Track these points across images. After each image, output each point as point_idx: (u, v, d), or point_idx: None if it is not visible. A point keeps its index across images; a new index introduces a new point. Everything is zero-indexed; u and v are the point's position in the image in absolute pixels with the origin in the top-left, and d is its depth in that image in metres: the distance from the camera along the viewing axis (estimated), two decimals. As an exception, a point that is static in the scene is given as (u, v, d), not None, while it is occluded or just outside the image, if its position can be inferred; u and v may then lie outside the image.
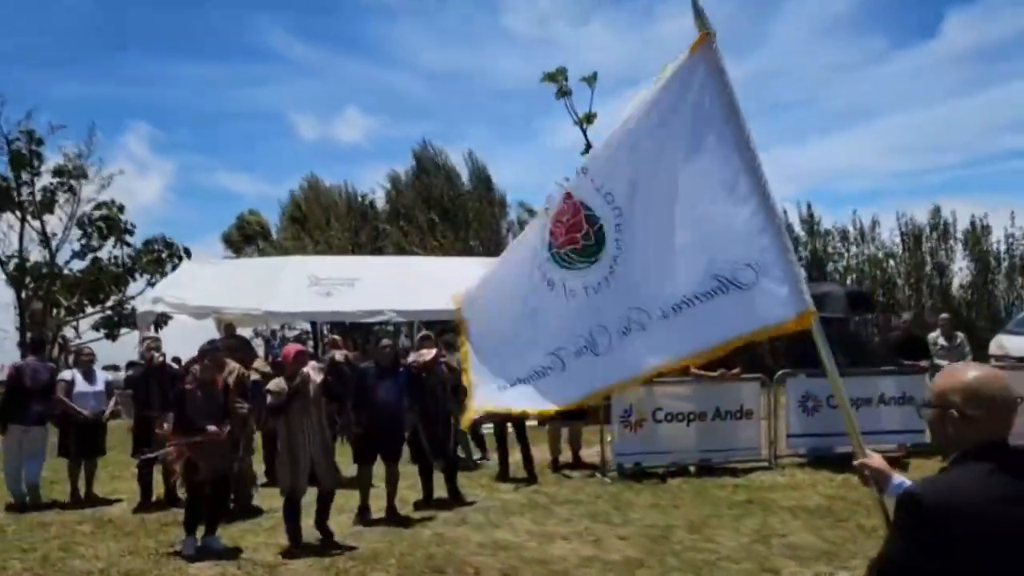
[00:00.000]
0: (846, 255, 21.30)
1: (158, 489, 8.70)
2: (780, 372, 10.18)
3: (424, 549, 6.76)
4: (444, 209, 19.25)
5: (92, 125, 26.49)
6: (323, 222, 19.10)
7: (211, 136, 52.77)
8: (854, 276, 21.05)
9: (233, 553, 6.71)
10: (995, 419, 2.09)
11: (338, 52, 52.60)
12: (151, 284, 22.06)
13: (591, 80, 19.93)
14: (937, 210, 21.88)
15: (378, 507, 7.81)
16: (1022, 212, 21.38)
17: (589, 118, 21.17)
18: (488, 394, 3.91)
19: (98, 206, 20.29)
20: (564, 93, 19.97)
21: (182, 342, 14.11)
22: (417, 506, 8.29)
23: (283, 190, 26.97)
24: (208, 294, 14.48)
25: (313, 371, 6.65)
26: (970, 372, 2.17)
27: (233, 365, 8.49)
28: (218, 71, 52.25)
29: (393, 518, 7.73)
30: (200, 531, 6.82)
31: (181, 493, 8.00)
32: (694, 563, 6.27)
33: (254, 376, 8.89)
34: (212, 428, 6.55)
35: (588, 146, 21.72)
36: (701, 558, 6.39)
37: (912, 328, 10.17)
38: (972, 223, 21.39)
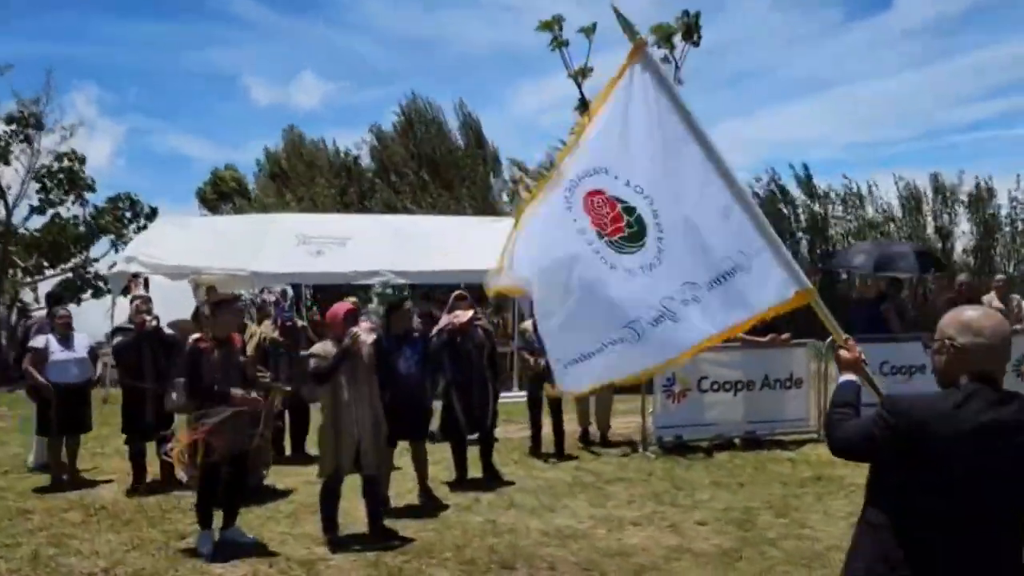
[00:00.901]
0: (847, 218, 20.69)
1: (151, 468, 7.69)
2: (831, 338, 9.38)
3: (481, 539, 5.87)
4: (435, 165, 18.11)
5: (49, 70, 24.69)
6: (307, 179, 17.80)
7: (162, 98, 50.26)
8: (851, 240, 20.50)
9: (258, 548, 5.74)
10: (983, 352, 2.40)
11: (294, 14, 50.27)
12: (115, 246, 20.63)
13: (589, 31, 18.86)
14: (936, 175, 21.46)
15: (399, 490, 6.90)
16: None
17: (584, 72, 20.13)
18: (570, 373, 3.82)
19: (58, 157, 18.67)
20: (560, 44, 18.85)
21: (155, 305, 12.97)
22: (451, 487, 7.39)
23: (238, 155, 25.73)
24: (187, 253, 13.29)
25: (365, 331, 5.62)
26: (967, 311, 2.50)
27: (253, 327, 7.49)
28: (169, 30, 49.66)
29: (431, 503, 6.82)
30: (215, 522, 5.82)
31: (183, 475, 7.00)
32: (799, 554, 5.47)
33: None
34: (243, 393, 5.51)
35: (583, 101, 20.75)
36: (804, 547, 5.59)
37: (968, 290, 9.49)
38: (977, 186, 20.95)
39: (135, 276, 12.15)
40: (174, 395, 5.99)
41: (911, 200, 20.98)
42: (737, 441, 9.05)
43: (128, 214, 20.24)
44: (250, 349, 7.27)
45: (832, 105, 43.76)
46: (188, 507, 6.73)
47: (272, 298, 9.04)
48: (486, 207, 17.89)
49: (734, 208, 3.43)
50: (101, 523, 6.43)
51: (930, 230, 20.40)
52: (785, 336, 9.37)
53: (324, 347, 5.63)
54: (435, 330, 7.39)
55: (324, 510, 5.81)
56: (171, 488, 7.39)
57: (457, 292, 7.67)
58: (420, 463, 6.93)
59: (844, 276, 18.12)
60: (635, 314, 3.59)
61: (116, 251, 19.20)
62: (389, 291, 14.28)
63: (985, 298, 9.93)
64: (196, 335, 5.82)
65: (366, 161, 19.44)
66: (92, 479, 7.92)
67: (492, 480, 7.54)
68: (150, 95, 48.53)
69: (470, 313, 7.43)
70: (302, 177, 17.83)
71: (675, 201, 3.56)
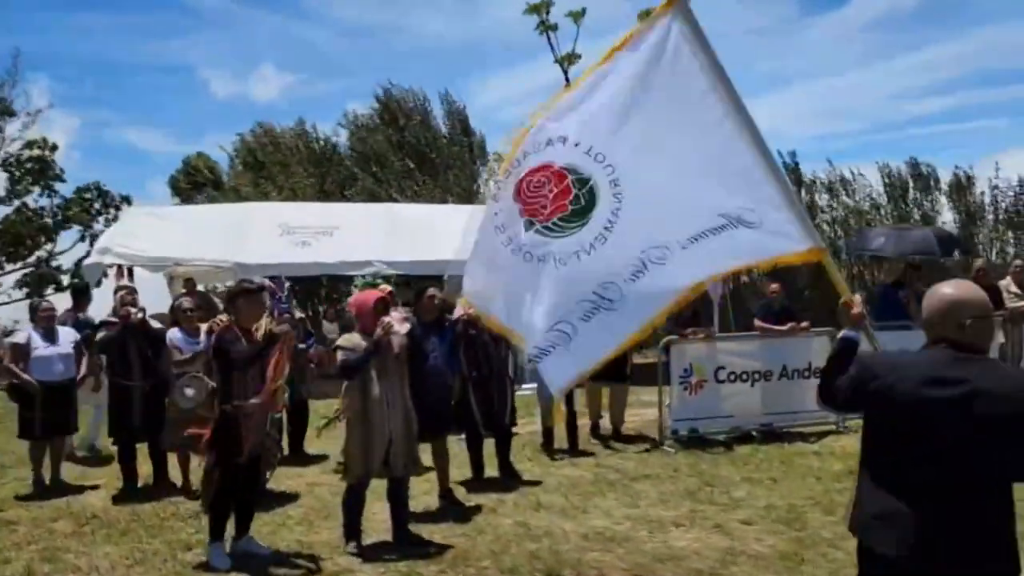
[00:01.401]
0: (835, 206, 20.53)
1: (142, 471, 7.16)
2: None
3: (517, 544, 5.43)
4: (420, 154, 17.51)
5: (16, 52, 23.58)
6: (285, 167, 17.05)
7: (116, 91, 48.67)
8: (839, 227, 20.35)
9: (276, 558, 5.25)
10: (936, 319, 2.67)
11: (252, 5, 48.99)
12: (83, 238, 19.76)
13: (578, 16, 18.43)
14: (916, 163, 21.40)
15: (414, 492, 6.43)
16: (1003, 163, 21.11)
17: (571, 58, 19.71)
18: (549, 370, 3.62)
19: (28, 144, 17.71)
20: (548, 27, 18.37)
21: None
22: (468, 487, 6.94)
23: (197, 148, 24.80)
24: (165, 244, 12.67)
25: (397, 321, 5.12)
26: (936, 287, 2.75)
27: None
28: (123, 22, 48.13)
29: (455, 506, 6.37)
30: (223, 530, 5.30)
31: (198, 487, 6.47)
32: (862, 554, 5.12)
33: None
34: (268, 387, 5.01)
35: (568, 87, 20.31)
36: (865, 547, 5.24)
37: (985, 276, 9.25)
38: (956, 174, 20.93)
39: (118, 267, 11.49)
40: (188, 390, 5.46)
41: (896, 188, 20.91)
42: (755, 434, 8.73)
43: (97, 205, 19.36)
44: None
45: (789, 100, 44.18)
46: (187, 514, 6.25)
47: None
48: (472, 196, 17.39)
49: (756, 167, 3.43)
50: (95, 534, 5.88)
51: (917, 218, 20.31)
52: (804, 325, 9.08)
53: (352, 339, 5.14)
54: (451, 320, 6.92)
55: (347, 517, 5.34)
56: (164, 493, 6.88)
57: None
58: (442, 462, 6.47)
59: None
60: (560, 315, 3.48)
61: (87, 243, 18.32)
62: (379, 281, 13.75)
63: (1002, 283, 9.73)
64: (220, 320, 5.31)
65: (344, 149, 18.78)
66: (78, 484, 7.34)
67: (510, 479, 7.11)
68: (104, 87, 47.12)
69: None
70: (280, 166, 17.17)
71: (647, 168, 3.53)
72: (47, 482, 7.21)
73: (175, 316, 7.30)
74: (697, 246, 3.42)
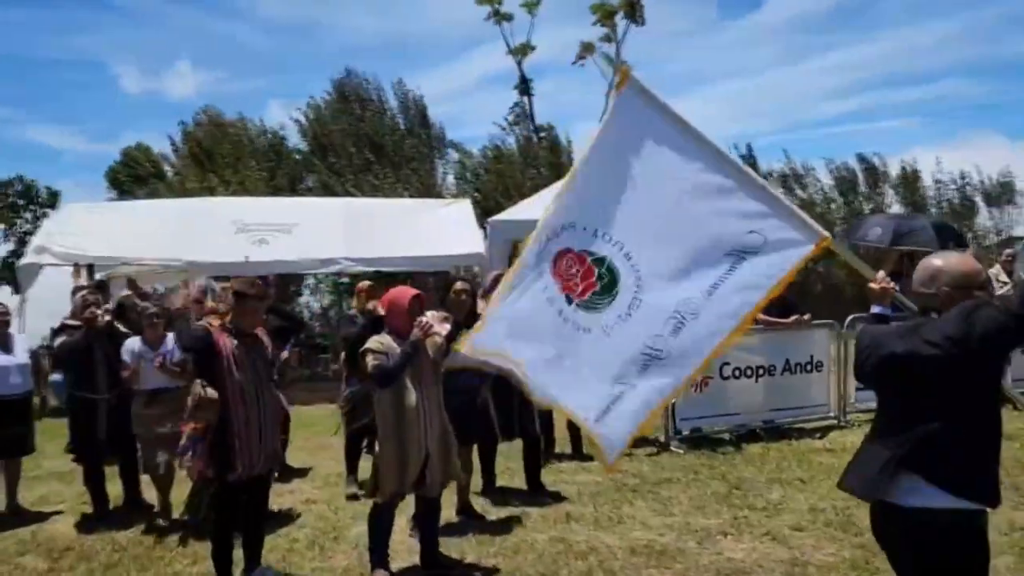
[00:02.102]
0: (791, 199, 20.71)
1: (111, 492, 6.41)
2: (852, 316, 8.85)
3: (565, 563, 4.94)
4: (378, 146, 16.73)
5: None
6: (234, 160, 16.01)
7: (20, 86, 45.97)
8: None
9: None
10: (928, 286, 2.97)
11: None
12: (6, 236, 18.37)
13: (532, 6, 17.99)
14: (864, 157, 21.79)
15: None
16: (946, 158, 21.75)
17: (524, 49, 19.27)
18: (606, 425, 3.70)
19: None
20: (502, 17, 17.88)
21: (56, 302, 11.45)
22: (484, 498, 6.41)
23: (106, 147, 23.26)
24: (109, 242, 11.74)
25: (437, 322, 4.52)
26: (940, 254, 3.11)
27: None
28: (28, 15, 45.54)
29: (476, 520, 5.83)
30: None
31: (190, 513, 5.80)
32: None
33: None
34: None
35: (523, 80, 19.87)
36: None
37: (977, 264, 9.18)
38: (903, 168, 21.36)
39: (75, 265, 10.53)
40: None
41: (846, 182, 21.20)
42: (759, 431, 8.42)
43: (21, 200, 17.99)
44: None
45: (710, 99, 44.86)
46: (174, 545, 5.55)
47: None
48: (430, 190, 16.77)
49: (736, 190, 3.54)
50: (74, 570, 5.14)
51: (867, 211, 20.62)
52: (807, 316, 8.82)
53: (383, 341, 4.54)
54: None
55: (375, 540, 4.74)
56: (140, 517, 6.14)
57: (495, 273, 6.56)
58: (466, 475, 5.88)
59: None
60: (620, 369, 3.62)
61: (11, 242, 17.01)
62: (346, 280, 13.06)
63: (992, 271, 9.68)
64: (209, 318, 4.68)
65: (294, 141, 17.92)
66: (37, 511, 6.53)
67: (535, 492, 6.56)
68: (8, 83, 44.48)
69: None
70: (230, 158, 16.17)
71: (650, 234, 3.67)
72: (3, 509, 6.38)
73: (124, 317, 6.61)
74: (719, 293, 3.55)
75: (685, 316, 3.56)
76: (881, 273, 3.32)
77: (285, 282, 16.63)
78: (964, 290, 2.86)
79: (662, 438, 8.15)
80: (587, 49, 19.72)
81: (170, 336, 6.11)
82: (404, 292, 4.69)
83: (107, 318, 6.43)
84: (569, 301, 3.77)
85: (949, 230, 10.45)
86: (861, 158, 21.77)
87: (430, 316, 4.52)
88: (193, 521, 5.34)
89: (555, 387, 3.71)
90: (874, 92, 48.14)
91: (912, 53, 44.92)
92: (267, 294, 4.88)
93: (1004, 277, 9.61)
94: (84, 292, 6.92)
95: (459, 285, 5.78)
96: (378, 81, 17.79)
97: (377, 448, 4.64)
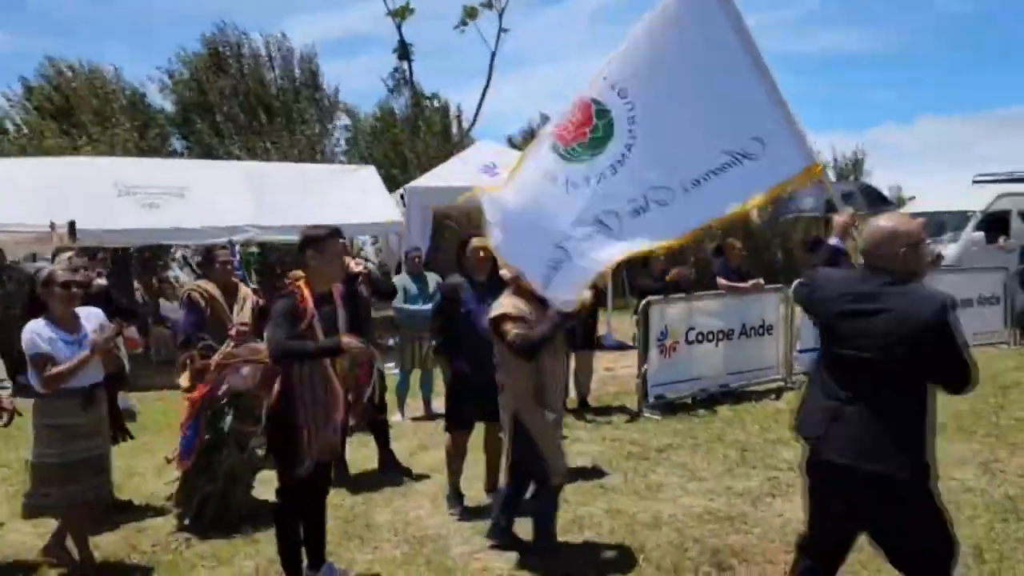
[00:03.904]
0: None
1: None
2: (797, 281, 9.14)
3: (640, 534, 4.72)
4: (266, 106, 15.37)
5: None
6: (101, 119, 14.04)
7: None
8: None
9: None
10: (886, 249, 2.96)
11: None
12: None
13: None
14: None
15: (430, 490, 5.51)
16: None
17: (403, 12, 18.55)
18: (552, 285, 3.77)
19: None
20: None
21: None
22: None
23: None
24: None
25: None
26: (887, 216, 3.15)
27: (246, 289, 5.57)
28: None
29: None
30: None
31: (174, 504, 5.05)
32: (994, 507, 5.03)
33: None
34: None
35: (402, 44, 19.13)
36: (990, 499, 5.17)
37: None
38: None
39: (51, 224, 9.02)
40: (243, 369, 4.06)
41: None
42: (717, 395, 8.56)
43: None
44: (246, 315, 5.39)
45: (521, 82, 45.43)
46: (180, 546, 4.84)
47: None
48: (323, 156, 15.76)
49: (762, 95, 3.62)
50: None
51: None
52: (761, 281, 9.05)
53: (516, 303, 4.08)
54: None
55: (547, 520, 4.41)
56: (125, 517, 5.31)
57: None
58: (492, 453, 5.47)
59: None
60: (565, 234, 3.66)
61: None
62: (254, 251, 12.01)
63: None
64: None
65: (157, 101, 16.14)
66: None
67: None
68: None
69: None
70: (94, 115, 14.23)
71: (662, 107, 3.70)
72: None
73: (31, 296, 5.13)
74: (699, 190, 3.61)
75: (649, 203, 3.63)
76: (849, 208, 3.59)
77: (156, 251, 15.11)
78: (915, 247, 2.96)
79: (630, 405, 8.11)
80: (470, 15, 19.24)
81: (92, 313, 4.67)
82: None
83: (104, 284, 5.57)
84: (552, 148, 3.82)
85: (877, 193, 11.08)
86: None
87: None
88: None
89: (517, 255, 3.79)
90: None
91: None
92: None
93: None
94: (70, 255, 5.75)
95: (476, 242, 5.15)
96: (256, 36, 16.47)
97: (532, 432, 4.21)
